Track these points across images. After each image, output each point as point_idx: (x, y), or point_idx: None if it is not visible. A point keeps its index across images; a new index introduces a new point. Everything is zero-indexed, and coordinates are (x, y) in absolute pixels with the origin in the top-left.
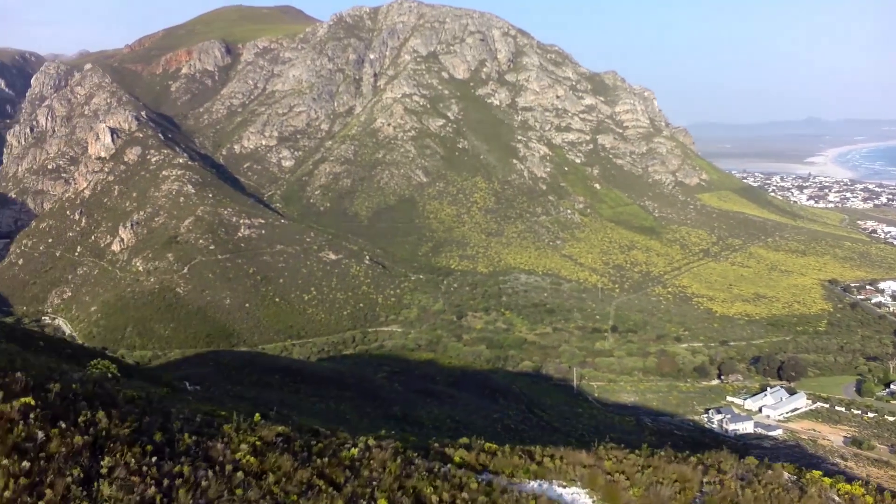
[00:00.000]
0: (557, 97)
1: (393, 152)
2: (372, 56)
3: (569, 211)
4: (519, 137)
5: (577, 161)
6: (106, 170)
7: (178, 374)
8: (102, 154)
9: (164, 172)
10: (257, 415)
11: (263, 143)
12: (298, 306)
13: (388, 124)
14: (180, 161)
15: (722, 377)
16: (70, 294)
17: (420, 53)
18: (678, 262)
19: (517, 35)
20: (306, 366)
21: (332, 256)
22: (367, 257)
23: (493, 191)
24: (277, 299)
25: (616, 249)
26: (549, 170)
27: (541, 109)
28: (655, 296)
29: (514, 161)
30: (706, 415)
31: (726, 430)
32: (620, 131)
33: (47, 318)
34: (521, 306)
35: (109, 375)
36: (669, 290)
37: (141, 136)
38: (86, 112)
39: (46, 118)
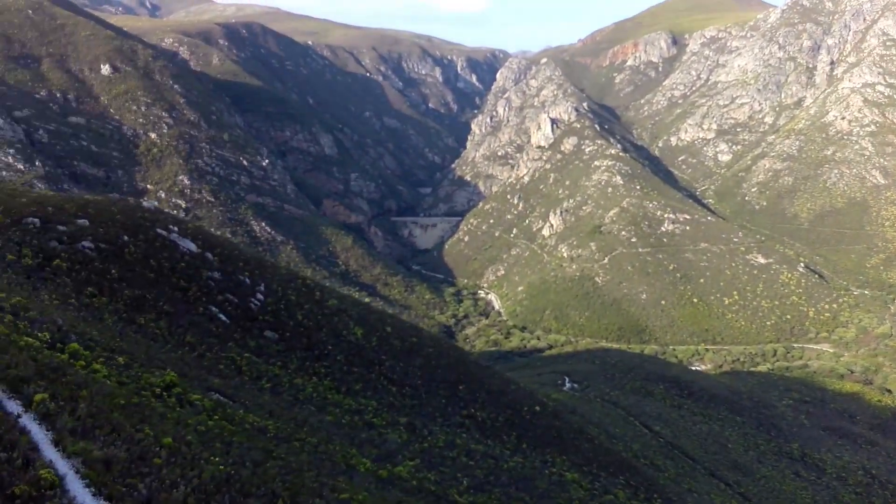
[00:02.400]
0: None
1: (845, 149)
2: (830, 42)
3: None
4: None
5: None
6: (544, 158)
7: (562, 369)
8: (542, 143)
9: (595, 163)
10: None
11: (701, 135)
12: (717, 310)
13: (843, 118)
14: (612, 152)
15: None
16: (503, 272)
17: (890, 36)
18: None
19: None
20: (697, 379)
21: (762, 260)
22: (802, 264)
23: None
24: (695, 300)
25: None
26: None
27: None
28: None
29: None
30: None
31: None
32: None
33: (482, 292)
34: None
35: None
36: None
37: (578, 126)
38: (534, 103)
39: (504, 109)
